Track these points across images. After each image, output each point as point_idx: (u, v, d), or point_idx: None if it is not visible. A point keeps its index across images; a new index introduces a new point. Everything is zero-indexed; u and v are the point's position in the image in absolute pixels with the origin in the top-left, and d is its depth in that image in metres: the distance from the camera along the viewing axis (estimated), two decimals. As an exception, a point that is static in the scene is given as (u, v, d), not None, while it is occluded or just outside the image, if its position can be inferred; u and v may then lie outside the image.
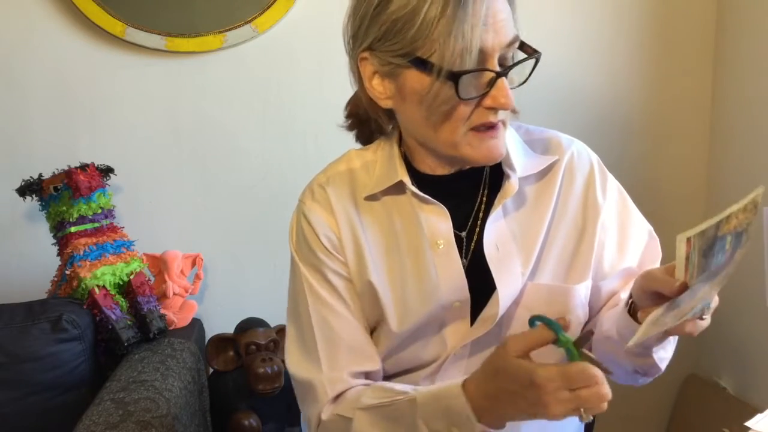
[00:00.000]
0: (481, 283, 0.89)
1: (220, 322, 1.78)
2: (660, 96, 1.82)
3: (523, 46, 0.84)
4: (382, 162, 0.95)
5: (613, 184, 0.96)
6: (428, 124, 0.84)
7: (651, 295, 0.74)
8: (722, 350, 1.80)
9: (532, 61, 0.83)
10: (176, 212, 1.77)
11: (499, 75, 0.80)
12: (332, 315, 0.92)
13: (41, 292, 1.61)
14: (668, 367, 0.90)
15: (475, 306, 0.90)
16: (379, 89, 0.87)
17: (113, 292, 1.52)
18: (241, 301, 1.81)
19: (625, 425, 1.86)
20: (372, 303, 0.92)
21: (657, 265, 0.94)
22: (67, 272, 1.53)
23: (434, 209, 0.90)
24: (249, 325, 1.67)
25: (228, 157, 1.76)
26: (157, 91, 1.72)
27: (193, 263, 1.73)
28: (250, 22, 1.68)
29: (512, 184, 0.89)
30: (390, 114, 0.94)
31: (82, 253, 1.52)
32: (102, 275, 1.50)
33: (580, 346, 0.71)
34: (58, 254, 1.59)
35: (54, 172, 1.58)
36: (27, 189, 1.57)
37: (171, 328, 1.61)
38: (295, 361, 0.94)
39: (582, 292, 0.91)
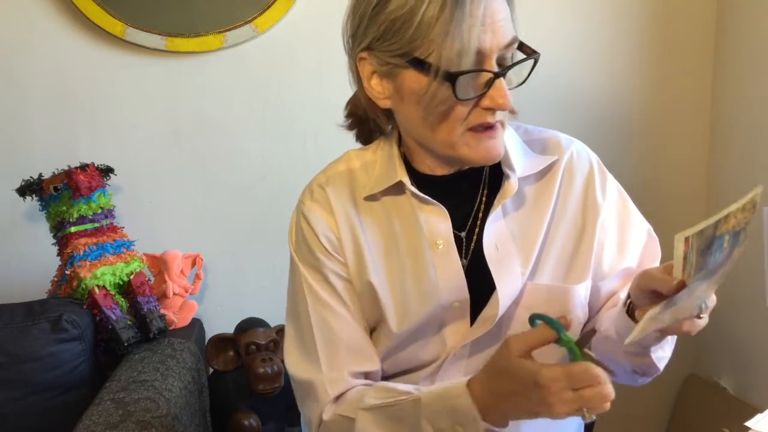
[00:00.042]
0: (480, 283, 0.89)
1: (220, 322, 1.78)
2: (660, 96, 1.82)
3: (522, 47, 0.84)
4: (381, 162, 0.95)
5: (613, 184, 0.96)
6: (425, 124, 0.84)
7: (649, 294, 0.74)
8: (722, 350, 1.80)
9: (531, 62, 0.83)
10: (176, 212, 1.77)
11: (497, 76, 0.80)
12: (332, 315, 0.92)
13: (41, 292, 1.61)
14: (668, 367, 0.90)
15: (475, 306, 0.90)
16: (378, 89, 0.87)
17: (113, 292, 1.52)
18: (241, 301, 1.81)
19: (625, 425, 1.86)
20: (372, 303, 0.92)
21: (656, 264, 0.94)
22: (67, 272, 1.53)
23: (434, 209, 0.90)
24: (249, 325, 1.67)
25: (228, 157, 1.76)
26: (157, 91, 1.72)
27: (193, 263, 1.73)
28: (250, 22, 1.68)
29: (512, 185, 0.89)
30: (389, 114, 0.94)
31: (82, 253, 1.52)
32: (102, 275, 1.50)
33: (583, 346, 0.71)
34: (58, 254, 1.59)
35: (54, 172, 1.59)
36: (27, 189, 1.57)
37: (171, 328, 1.61)
38: (294, 362, 0.94)
39: (581, 292, 0.91)
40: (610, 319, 0.87)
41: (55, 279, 1.59)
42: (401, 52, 0.81)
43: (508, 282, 0.88)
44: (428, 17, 0.77)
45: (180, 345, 1.54)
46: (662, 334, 0.79)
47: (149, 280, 1.60)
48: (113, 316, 1.48)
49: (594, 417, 0.69)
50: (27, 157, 1.69)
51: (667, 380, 1.90)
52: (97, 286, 1.49)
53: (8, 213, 1.71)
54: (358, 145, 1.03)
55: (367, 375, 0.93)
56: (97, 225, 1.57)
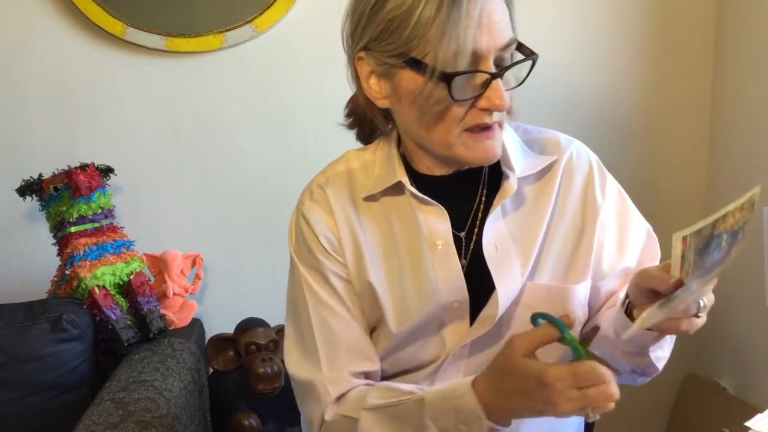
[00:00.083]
0: (480, 283, 0.89)
1: (220, 322, 1.78)
2: (660, 96, 1.82)
3: (520, 48, 0.84)
4: (380, 162, 0.95)
5: (612, 184, 0.96)
6: (421, 124, 0.84)
7: (647, 293, 0.74)
8: (722, 350, 1.80)
9: (530, 63, 0.83)
10: (176, 212, 1.77)
11: (493, 77, 0.80)
12: (332, 316, 0.92)
13: (41, 292, 1.61)
14: (668, 367, 0.90)
15: (475, 306, 0.90)
16: (376, 89, 0.87)
17: (113, 292, 1.52)
18: (241, 301, 1.81)
19: (625, 425, 1.86)
20: (371, 303, 0.92)
21: (656, 264, 0.94)
22: (67, 272, 1.53)
23: (433, 210, 0.90)
24: (249, 325, 1.67)
25: (228, 157, 1.76)
26: (157, 91, 1.72)
27: (193, 263, 1.73)
28: (250, 22, 1.68)
29: (511, 185, 0.89)
30: (387, 114, 0.94)
31: (82, 253, 1.52)
32: (102, 275, 1.50)
33: (587, 344, 0.71)
34: (58, 254, 1.59)
35: (54, 172, 1.59)
36: (27, 189, 1.57)
37: (171, 328, 1.61)
38: (294, 362, 0.94)
39: (581, 292, 0.91)
40: (608, 319, 0.87)
41: (55, 279, 1.59)
42: (398, 52, 0.81)
43: (508, 282, 0.88)
44: (425, 17, 0.77)
45: (180, 345, 1.54)
46: (661, 333, 0.79)
47: (149, 280, 1.60)
48: (113, 316, 1.48)
49: (598, 416, 0.69)
50: (27, 157, 1.69)
51: (667, 380, 1.91)
52: (97, 286, 1.49)
53: (8, 213, 1.72)
54: (359, 145, 1.03)
55: (367, 375, 0.93)
56: (97, 225, 1.57)
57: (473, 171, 0.92)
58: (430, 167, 0.93)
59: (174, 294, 1.66)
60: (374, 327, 0.95)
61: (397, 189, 0.92)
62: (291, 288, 0.97)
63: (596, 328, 0.76)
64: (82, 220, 1.56)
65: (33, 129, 1.70)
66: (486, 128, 0.83)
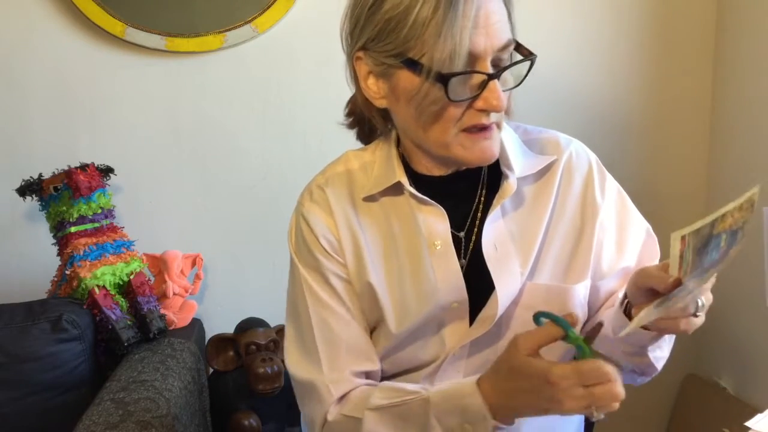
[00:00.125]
0: (480, 283, 0.89)
1: (220, 322, 1.78)
2: (660, 96, 1.82)
3: (519, 48, 0.83)
4: (380, 163, 0.95)
5: (612, 184, 0.96)
6: (418, 124, 0.84)
7: (645, 292, 0.74)
8: (722, 350, 1.80)
9: (528, 63, 0.83)
10: (176, 212, 1.77)
11: (490, 77, 0.79)
12: (332, 316, 0.92)
13: (41, 292, 1.61)
14: (668, 366, 0.90)
15: (474, 306, 0.90)
16: (374, 89, 0.87)
17: (113, 292, 1.52)
18: (241, 301, 1.81)
19: (625, 425, 1.86)
20: (371, 304, 0.92)
21: (655, 263, 0.94)
22: (67, 272, 1.53)
23: (432, 210, 0.90)
24: (249, 325, 1.67)
25: (228, 157, 1.76)
26: (157, 91, 1.72)
27: (193, 263, 1.73)
28: (250, 22, 1.68)
29: (510, 185, 0.89)
30: (385, 114, 0.94)
31: (82, 253, 1.52)
32: (102, 275, 1.50)
33: (590, 342, 0.71)
34: (58, 254, 1.59)
35: (54, 172, 1.59)
36: (27, 189, 1.57)
37: (171, 328, 1.61)
38: (294, 362, 0.94)
39: (581, 292, 0.91)
40: (607, 319, 0.87)
41: (55, 279, 1.59)
42: (395, 53, 0.81)
43: (507, 282, 0.88)
44: (422, 18, 0.77)
45: (180, 345, 1.54)
46: (660, 333, 0.79)
47: (149, 280, 1.60)
48: (113, 316, 1.48)
49: (602, 416, 0.69)
50: (27, 157, 1.69)
51: (667, 380, 1.91)
52: (97, 286, 1.49)
53: (8, 213, 1.72)
54: (359, 145, 1.03)
55: (367, 375, 0.93)
56: (97, 225, 1.58)
57: (472, 171, 0.92)
58: (429, 167, 0.93)
59: (174, 294, 1.66)
60: (374, 327, 0.95)
61: (396, 189, 0.92)
62: (291, 288, 0.97)
63: (599, 326, 0.76)
64: (82, 220, 1.56)
65: (33, 129, 1.70)
66: (483, 129, 0.83)
